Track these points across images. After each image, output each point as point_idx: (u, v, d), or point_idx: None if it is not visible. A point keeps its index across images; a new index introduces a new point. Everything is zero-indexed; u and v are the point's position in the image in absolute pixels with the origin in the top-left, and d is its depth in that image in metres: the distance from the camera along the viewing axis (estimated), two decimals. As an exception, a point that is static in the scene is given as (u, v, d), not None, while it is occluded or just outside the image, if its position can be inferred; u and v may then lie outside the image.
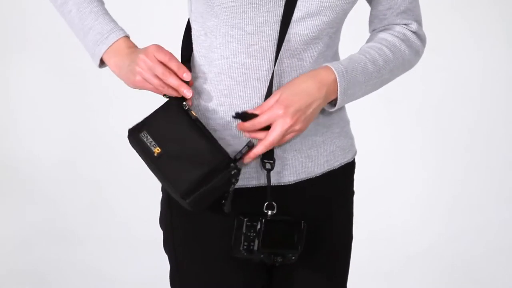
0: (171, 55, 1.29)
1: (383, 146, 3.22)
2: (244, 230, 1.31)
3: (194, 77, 1.37)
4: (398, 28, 1.44)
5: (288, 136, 1.30)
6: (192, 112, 1.29)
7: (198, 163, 1.23)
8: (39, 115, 3.21)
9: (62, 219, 3.14)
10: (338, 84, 1.32)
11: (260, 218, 1.31)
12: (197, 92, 1.36)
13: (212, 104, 1.35)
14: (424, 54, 1.50)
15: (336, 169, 1.45)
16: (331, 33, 1.36)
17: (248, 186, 1.37)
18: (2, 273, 2.98)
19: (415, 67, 1.54)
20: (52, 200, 3.16)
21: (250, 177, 1.36)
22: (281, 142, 1.31)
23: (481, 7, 3.23)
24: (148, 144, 1.26)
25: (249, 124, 1.29)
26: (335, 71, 1.32)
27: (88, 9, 1.37)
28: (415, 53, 1.45)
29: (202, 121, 1.34)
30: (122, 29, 1.37)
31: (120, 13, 3.01)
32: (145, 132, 1.27)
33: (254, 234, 1.30)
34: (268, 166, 1.33)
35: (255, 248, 1.30)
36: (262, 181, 1.36)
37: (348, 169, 1.50)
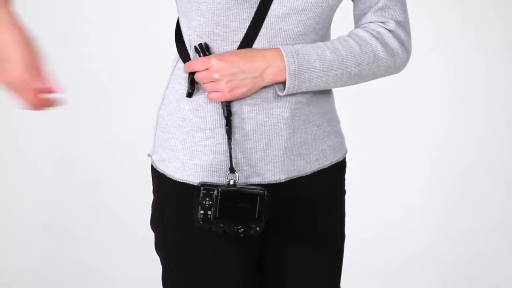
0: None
1: (381, 145, 3.21)
2: (200, 198, 1.30)
3: (184, 77, 1.37)
4: (372, 25, 1.41)
5: (209, 85, 1.31)
6: None
7: None
8: (39, 115, 3.21)
9: (62, 219, 3.14)
10: (286, 64, 1.31)
11: (217, 187, 1.30)
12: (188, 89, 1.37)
13: (201, 102, 1.36)
14: (422, 53, 1.47)
15: (326, 168, 1.45)
16: (317, 29, 1.35)
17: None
18: (2, 273, 2.99)
19: (411, 65, 1.52)
20: (52, 200, 3.16)
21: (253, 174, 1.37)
22: (204, 85, 1.32)
23: (481, 6, 3.22)
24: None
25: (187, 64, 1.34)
26: (282, 51, 1.31)
27: None
28: (391, 53, 1.41)
29: (192, 120, 1.36)
30: None
31: (120, 13, 3.03)
32: None
33: (210, 202, 1.29)
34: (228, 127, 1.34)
35: (211, 217, 1.29)
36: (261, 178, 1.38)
37: (339, 168, 1.49)
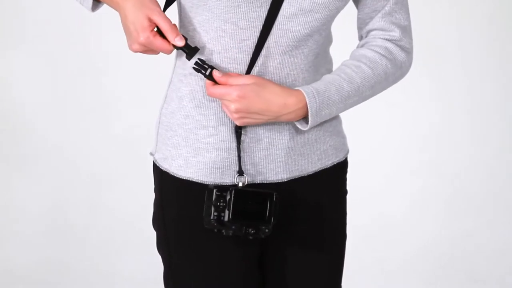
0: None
1: (379, 145, 3.22)
2: (213, 200, 1.30)
3: (184, 74, 1.38)
4: (379, 42, 1.42)
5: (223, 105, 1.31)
6: None
7: None
8: (40, 113, 3.21)
9: (62, 219, 3.14)
10: (308, 106, 1.32)
11: (230, 189, 1.30)
12: (190, 87, 1.37)
13: (204, 100, 1.36)
14: (420, 53, 1.48)
15: (328, 168, 1.45)
16: (321, 30, 1.36)
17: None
18: (2, 273, 2.99)
19: (412, 66, 1.53)
20: (52, 199, 3.16)
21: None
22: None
23: (483, 7, 3.22)
24: None
25: (208, 88, 1.31)
26: (305, 95, 1.32)
27: None
28: (399, 66, 1.43)
29: (195, 117, 1.37)
30: None
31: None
32: None
33: (224, 204, 1.29)
34: (241, 136, 1.35)
35: (225, 219, 1.29)
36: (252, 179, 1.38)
37: (341, 168, 1.50)
